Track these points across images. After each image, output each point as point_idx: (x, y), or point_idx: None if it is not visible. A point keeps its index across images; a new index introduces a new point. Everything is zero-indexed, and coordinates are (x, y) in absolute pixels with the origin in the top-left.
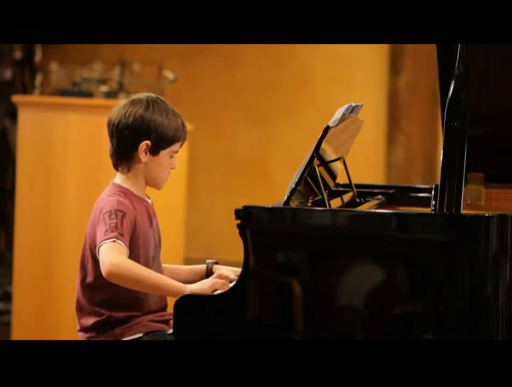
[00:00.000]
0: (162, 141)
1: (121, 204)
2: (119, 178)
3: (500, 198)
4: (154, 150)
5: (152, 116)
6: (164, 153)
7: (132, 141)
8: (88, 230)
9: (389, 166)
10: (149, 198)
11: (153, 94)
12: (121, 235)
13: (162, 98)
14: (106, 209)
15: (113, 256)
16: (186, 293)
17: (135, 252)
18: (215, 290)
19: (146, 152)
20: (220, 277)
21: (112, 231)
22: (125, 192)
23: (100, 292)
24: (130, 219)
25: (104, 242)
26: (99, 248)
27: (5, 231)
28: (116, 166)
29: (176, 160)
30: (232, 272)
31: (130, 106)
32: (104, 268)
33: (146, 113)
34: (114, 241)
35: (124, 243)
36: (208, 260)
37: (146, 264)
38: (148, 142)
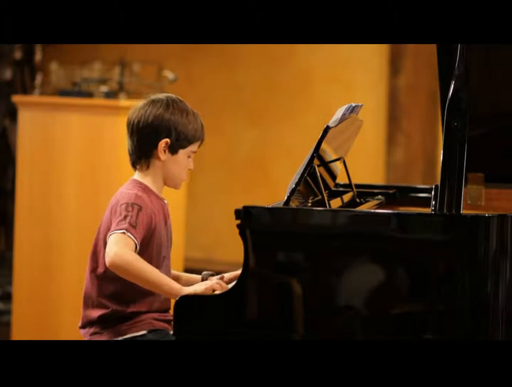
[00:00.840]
0: (181, 140)
1: (139, 198)
2: (138, 175)
3: (500, 198)
4: (173, 149)
5: (172, 116)
6: (182, 153)
7: (152, 138)
8: (103, 221)
9: (389, 166)
10: (165, 199)
11: (172, 95)
12: (133, 227)
13: (181, 98)
14: (123, 201)
15: (118, 247)
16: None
17: (149, 247)
18: (213, 291)
19: (165, 151)
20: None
21: (124, 223)
22: (144, 188)
23: (109, 283)
24: (146, 214)
25: (114, 232)
26: (109, 237)
27: (5, 231)
28: (134, 164)
29: (192, 161)
30: (229, 279)
31: (150, 105)
32: (108, 257)
33: (166, 113)
34: (124, 232)
35: (134, 236)
36: (204, 272)
37: (157, 261)
38: (167, 140)
